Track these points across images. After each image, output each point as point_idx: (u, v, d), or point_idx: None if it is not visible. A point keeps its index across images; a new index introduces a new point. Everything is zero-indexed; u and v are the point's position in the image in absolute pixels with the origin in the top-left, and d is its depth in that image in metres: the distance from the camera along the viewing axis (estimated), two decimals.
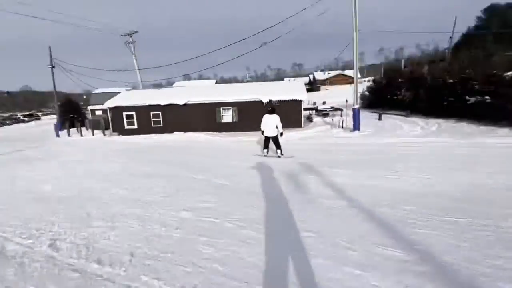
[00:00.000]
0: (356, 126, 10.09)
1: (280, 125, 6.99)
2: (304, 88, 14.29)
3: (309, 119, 15.79)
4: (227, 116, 13.93)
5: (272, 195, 3.73)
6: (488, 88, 9.67)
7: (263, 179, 4.57)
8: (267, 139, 7.08)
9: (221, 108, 13.84)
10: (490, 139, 7.46)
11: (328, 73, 63.22)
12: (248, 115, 13.57)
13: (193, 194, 3.90)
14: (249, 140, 10.47)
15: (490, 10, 53.14)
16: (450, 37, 22.14)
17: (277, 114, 7.00)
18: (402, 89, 15.49)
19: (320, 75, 62.87)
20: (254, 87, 15.15)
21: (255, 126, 13.46)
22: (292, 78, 57.67)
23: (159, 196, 3.91)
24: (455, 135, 8.51)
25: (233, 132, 13.45)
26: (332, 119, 14.00)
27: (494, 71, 9.85)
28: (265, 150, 7.12)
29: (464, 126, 9.93)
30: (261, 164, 5.83)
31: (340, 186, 3.96)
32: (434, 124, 11.03)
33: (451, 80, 11.71)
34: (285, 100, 13.14)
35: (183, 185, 4.41)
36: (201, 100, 13.87)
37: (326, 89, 53.02)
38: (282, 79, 53.16)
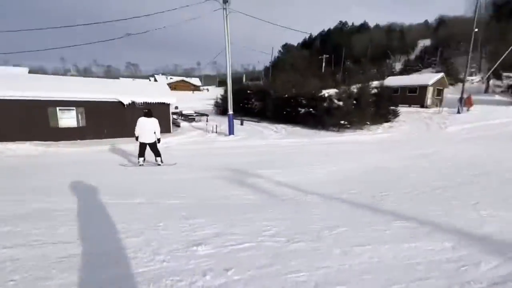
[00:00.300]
0: (231, 131, 10.87)
1: (158, 130, 6.37)
2: (169, 90, 13.57)
3: (175, 124, 15.15)
4: (68, 119, 10.69)
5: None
6: (311, 103, 13.54)
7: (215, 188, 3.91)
8: (143, 146, 6.22)
9: (58, 108, 10.41)
10: (325, 138, 10.47)
11: (171, 78, 63.08)
12: (101, 119, 11.14)
13: None
14: (102, 149, 8.64)
15: (286, 47, 79.63)
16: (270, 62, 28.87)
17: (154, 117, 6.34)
18: (252, 99, 18.36)
19: (162, 79, 61.56)
20: (105, 84, 12.56)
21: (113, 132, 11.36)
22: (131, 79, 53.13)
23: None
24: (299, 137, 11.25)
25: (79, 141, 10.54)
26: (207, 124, 14.17)
27: (314, 91, 13.96)
28: (141, 158, 6.23)
29: (300, 130, 13.29)
30: (167, 174, 5.02)
31: (292, 183, 4.24)
32: (281, 128, 13.92)
33: (286, 95, 15.34)
34: (151, 103, 11.88)
35: None
36: (19, 95, 9.75)
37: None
38: (118, 78, 47.54)
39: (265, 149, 8.67)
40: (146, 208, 3.11)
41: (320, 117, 13.14)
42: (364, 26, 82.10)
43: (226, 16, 10.13)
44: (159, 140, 6.43)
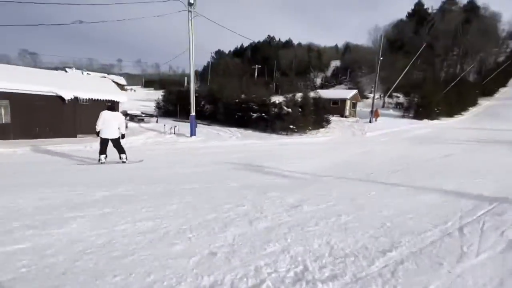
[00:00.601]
0: (193, 132, 10.84)
1: (123, 125, 6.03)
2: (116, 87, 12.43)
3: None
4: None
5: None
6: (263, 108, 14.79)
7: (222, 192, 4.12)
8: (105, 142, 5.76)
9: None
10: (278, 140, 11.67)
11: (88, 73, 55.35)
12: (32, 115, 9.41)
13: None
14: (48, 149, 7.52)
15: (219, 53, 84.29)
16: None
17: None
18: (202, 102, 18.46)
19: (77, 74, 52.93)
20: (39, 75, 10.57)
21: (48, 131, 9.69)
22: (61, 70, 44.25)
23: None
24: (255, 138, 12.19)
25: (2, 141, 8.64)
26: (165, 126, 13.37)
27: (264, 98, 15.28)
28: (103, 156, 5.76)
29: (252, 133, 14.28)
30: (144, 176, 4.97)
31: (300, 171, 4.93)
32: (235, 131, 14.60)
33: (237, 100, 16.22)
34: (97, 100, 10.67)
35: None
36: None
37: None
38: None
39: (235, 148, 9.20)
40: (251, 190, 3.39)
41: (270, 121, 14.50)
42: (289, 43, 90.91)
43: (191, 19, 10.28)
44: (123, 135, 6.03)
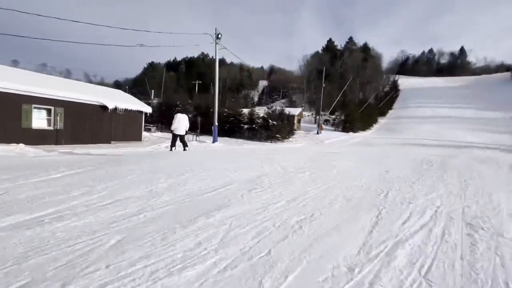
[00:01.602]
0: (215, 139, 13.21)
1: (188, 126, 8.23)
2: (136, 99, 13.60)
3: None
4: (43, 120, 9.11)
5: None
6: (252, 120, 18.21)
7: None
8: (177, 137, 7.90)
9: (33, 105, 8.72)
10: (272, 146, 15.25)
11: None
12: (81, 122, 10.23)
13: None
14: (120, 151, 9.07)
15: (152, 65, 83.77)
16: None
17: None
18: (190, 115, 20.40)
19: None
20: (84, 86, 11.03)
21: (91, 137, 10.48)
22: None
23: None
24: (255, 144, 15.47)
25: (53, 145, 9.31)
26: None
27: (252, 111, 18.76)
28: (174, 148, 7.90)
29: (246, 141, 17.43)
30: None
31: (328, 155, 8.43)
32: (230, 139, 17.38)
33: (227, 112, 19.10)
34: (131, 110, 11.93)
35: None
36: None
37: None
38: None
39: (248, 149, 12.37)
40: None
41: (258, 131, 18.06)
42: (222, 61, 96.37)
43: (217, 50, 13.09)
44: (187, 132, 8.27)
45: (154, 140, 13.38)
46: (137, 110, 12.32)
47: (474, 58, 74.00)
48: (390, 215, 2.45)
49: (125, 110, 11.61)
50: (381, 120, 44.77)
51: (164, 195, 2.75)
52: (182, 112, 8.79)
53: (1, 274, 1.29)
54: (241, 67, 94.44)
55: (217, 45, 12.94)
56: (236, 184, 3.40)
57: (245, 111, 20.01)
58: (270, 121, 18.16)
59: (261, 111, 22.46)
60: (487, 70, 66.90)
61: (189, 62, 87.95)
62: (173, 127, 7.79)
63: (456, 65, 71.36)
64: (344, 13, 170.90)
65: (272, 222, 2.15)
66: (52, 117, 9.16)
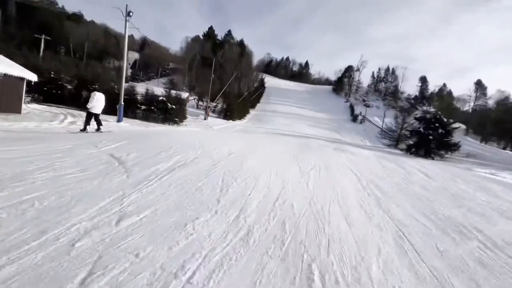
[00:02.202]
0: (120, 118, 12.89)
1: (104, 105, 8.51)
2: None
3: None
4: None
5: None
6: (150, 103, 18.22)
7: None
8: (92, 116, 8.02)
9: None
10: (172, 127, 16.61)
11: None
12: None
13: None
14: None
15: None
16: None
17: None
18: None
19: None
20: None
21: None
22: None
23: None
24: (155, 126, 16.22)
25: None
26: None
27: (151, 92, 18.63)
28: (88, 126, 7.95)
29: (144, 122, 17.43)
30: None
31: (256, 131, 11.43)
32: (131, 120, 16.76)
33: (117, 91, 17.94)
34: (11, 76, 9.92)
35: None
36: None
37: None
38: None
39: (155, 129, 13.58)
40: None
41: (155, 113, 18.46)
42: (78, 15, 77.78)
43: (126, 27, 12.75)
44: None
45: (40, 114, 11.48)
46: (18, 77, 10.25)
47: (313, 70, 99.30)
48: (304, 163, 5.70)
49: (4, 75, 9.51)
50: (252, 112, 53.06)
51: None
52: (98, 90, 8.54)
53: None
54: (107, 31, 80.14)
55: (127, 22, 12.64)
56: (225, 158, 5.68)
57: (139, 90, 19.46)
58: (169, 104, 18.93)
59: (141, 89, 22.05)
60: (319, 81, 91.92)
61: (26, 7, 64.59)
62: (90, 105, 7.80)
63: (303, 73, 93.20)
64: (224, 5, 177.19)
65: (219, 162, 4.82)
66: None
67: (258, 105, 59.33)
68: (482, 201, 5.78)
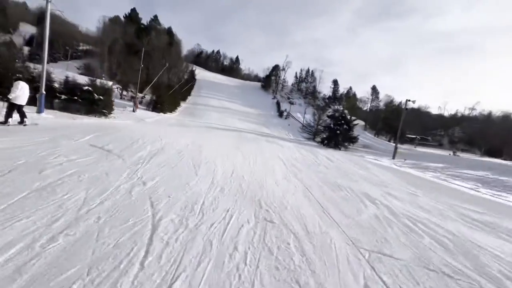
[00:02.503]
0: (41, 109, 12.10)
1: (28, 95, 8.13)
2: None
3: None
4: None
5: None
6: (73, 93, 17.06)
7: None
8: (15, 107, 7.47)
9: None
10: (97, 120, 16.36)
11: None
12: None
13: None
14: None
15: None
16: None
17: None
18: None
19: None
20: None
21: None
22: None
23: None
24: (89, 119, 15.65)
25: None
26: None
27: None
28: (10, 119, 7.31)
29: (64, 113, 16.30)
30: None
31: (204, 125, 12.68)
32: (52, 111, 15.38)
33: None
34: None
35: None
36: None
37: None
38: None
39: (85, 122, 13.61)
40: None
41: (79, 104, 17.48)
42: None
43: (48, 8, 12.09)
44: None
45: None
46: None
47: (244, 66, 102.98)
48: (244, 151, 7.77)
49: None
50: (183, 105, 52.40)
51: None
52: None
53: None
54: None
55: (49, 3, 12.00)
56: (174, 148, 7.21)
57: (55, 77, 17.82)
58: (96, 95, 18.12)
59: (58, 75, 20.19)
60: (249, 77, 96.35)
61: None
62: (13, 95, 7.23)
63: (233, 68, 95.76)
64: None
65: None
66: None
67: (189, 98, 58.82)
68: (359, 174, 9.11)
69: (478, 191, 10.38)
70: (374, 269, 2.56)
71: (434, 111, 70.30)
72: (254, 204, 3.92)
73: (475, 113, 63.88)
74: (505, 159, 40.19)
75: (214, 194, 4.01)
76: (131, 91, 45.14)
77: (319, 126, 38.17)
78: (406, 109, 25.16)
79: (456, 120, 60.57)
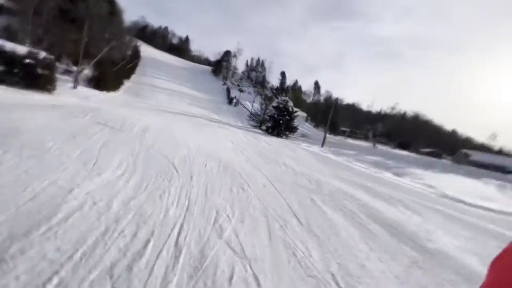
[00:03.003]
0: None
1: None
2: None
3: None
4: None
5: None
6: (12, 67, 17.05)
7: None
8: None
9: None
10: (41, 97, 17.14)
11: None
12: None
13: None
14: None
15: None
16: None
17: None
18: None
19: None
20: None
21: None
22: None
23: None
24: (32, 95, 16.18)
25: None
26: None
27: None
28: None
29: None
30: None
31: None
32: None
33: None
34: None
35: None
36: None
37: None
38: None
39: (33, 98, 14.75)
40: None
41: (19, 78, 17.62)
42: None
43: None
44: None
45: None
46: None
47: (194, 47, 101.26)
48: (203, 133, 10.83)
49: None
50: (127, 83, 50.69)
51: None
52: None
53: None
54: None
55: None
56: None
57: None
58: (39, 70, 18.33)
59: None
60: (199, 59, 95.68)
61: None
62: None
63: (183, 48, 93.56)
64: None
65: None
66: None
67: (133, 76, 56.75)
68: (286, 154, 13.02)
69: (366, 169, 15.52)
70: (273, 184, 6.09)
71: (364, 107, 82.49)
72: (217, 161, 7.12)
73: (394, 112, 77.71)
74: (411, 151, 51.53)
75: (193, 155, 7.07)
76: (68, 64, 42.02)
77: (265, 116, 42.51)
78: (336, 105, 30.94)
79: (380, 117, 72.74)
